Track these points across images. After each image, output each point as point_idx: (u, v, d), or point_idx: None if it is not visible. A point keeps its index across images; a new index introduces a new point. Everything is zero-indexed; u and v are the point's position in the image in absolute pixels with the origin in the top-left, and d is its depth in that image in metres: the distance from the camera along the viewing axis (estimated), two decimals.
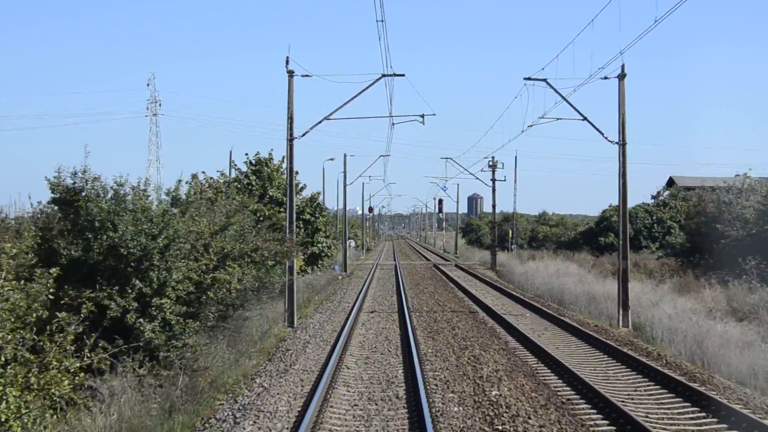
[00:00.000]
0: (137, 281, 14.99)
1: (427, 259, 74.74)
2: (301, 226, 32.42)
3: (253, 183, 32.81)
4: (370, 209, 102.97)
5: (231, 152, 55.80)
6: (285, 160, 27.63)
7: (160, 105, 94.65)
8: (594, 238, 59.62)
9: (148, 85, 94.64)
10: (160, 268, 15.28)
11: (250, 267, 20.17)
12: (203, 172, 32.80)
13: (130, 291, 14.91)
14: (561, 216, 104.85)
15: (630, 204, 63.36)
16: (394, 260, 70.35)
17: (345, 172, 56.93)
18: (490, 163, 57.76)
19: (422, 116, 26.93)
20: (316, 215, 33.49)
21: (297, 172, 34.49)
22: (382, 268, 58.92)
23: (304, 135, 26.86)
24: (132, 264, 15.13)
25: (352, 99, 26.97)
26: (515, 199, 65.84)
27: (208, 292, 16.15)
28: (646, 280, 34.67)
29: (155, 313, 15.08)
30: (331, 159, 68.96)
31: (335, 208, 78.76)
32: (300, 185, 34.17)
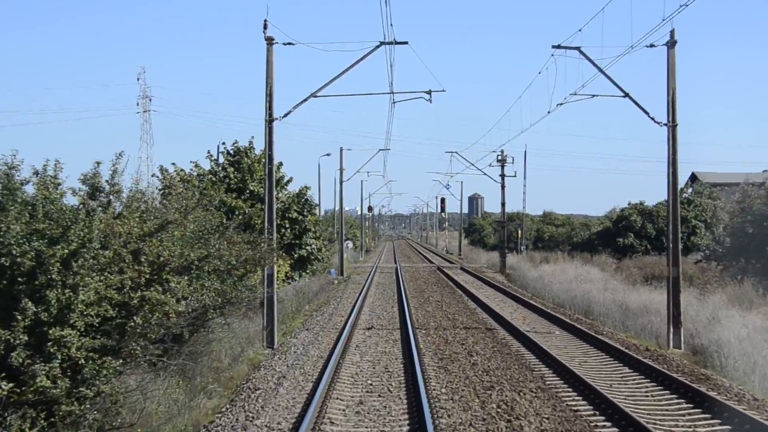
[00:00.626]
0: (29, 304, 10.39)
1: (430, 261, 70.01)
2: (287, 225, 27.75)
3: (231, 176, 28.17)
4: (370, 208, 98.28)
5: (219, 146, 51.02)
6: (266, 148, 22.78)
7: (150, 101, 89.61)
8: (612, 238, 54.84)
9: (138, 79, 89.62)
10: (63, 285, 10.68)
11: (212, 279, 15.70)
12: (173, 164, 28.46)
13: (19, 318, 10.33)
14: (567, 216, 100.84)
15: (650, 201, 58.63)
16: (395, 263, 65.68)
17: (341, 168, 52.35)
18: (499, 158, 53.09)
19: (429, 92, 22.26)
20: (305, 213, 28.72)
21: (281, 164, 29.89)
22: (382, 272, 54.25)
23: (286, 115, 22.29)
24: (21, 279, 10.55)
25: (344, 72, 22.36)
26: (525, 197, 61.03)
27: (135, 318, 11.49)
28: (687, 288, 29.99)
29: (54, 350, 10.50)
30: (327, 154, 64.19)
31: (333, 209, 73.94)
32: (285, 178, 29.51)
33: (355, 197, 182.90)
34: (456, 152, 54.39)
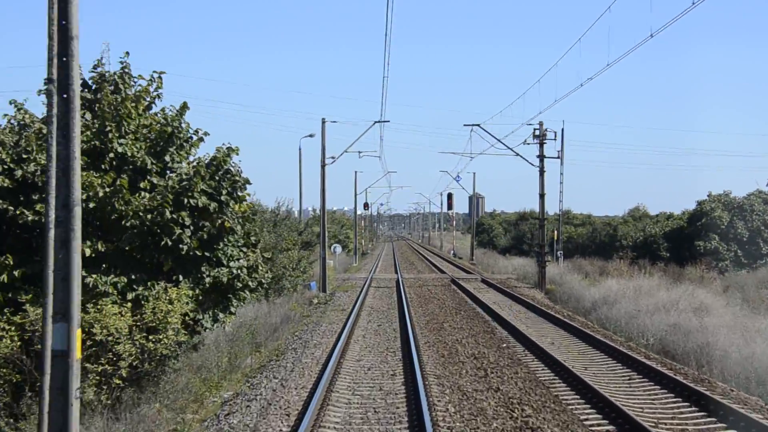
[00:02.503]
0: None
1: (440, 271, 55.58)
2: (186, 221, 13.70)
3: (86, 124, 14.39)
4: (366, 205, 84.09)
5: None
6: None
7: None
8: (686, 241, 40.94)
9: (101, 59, 74.93)
10: None
11: None
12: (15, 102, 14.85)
13: None
14: (587, 215, 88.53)
15: (738, 192, 44.60)
16: (396, 272, 51.71)
17: (323, 144, 38.41)
18: (537, 132, 39.14)
19: None
20: (222, 198, 14.42)
21: (185, 107, 16.04)
22: (379, 287, 40.30)
23: None
24: None
25: None
26: (562, 188, 46.69)
27: None
28: None
29: None
30: (311, 135, 50.24)
31: (329, 207, 59.28)
32: (192, 134, 15.17)
33: (349, 196, 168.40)
34: (478, 125, 40.27)
